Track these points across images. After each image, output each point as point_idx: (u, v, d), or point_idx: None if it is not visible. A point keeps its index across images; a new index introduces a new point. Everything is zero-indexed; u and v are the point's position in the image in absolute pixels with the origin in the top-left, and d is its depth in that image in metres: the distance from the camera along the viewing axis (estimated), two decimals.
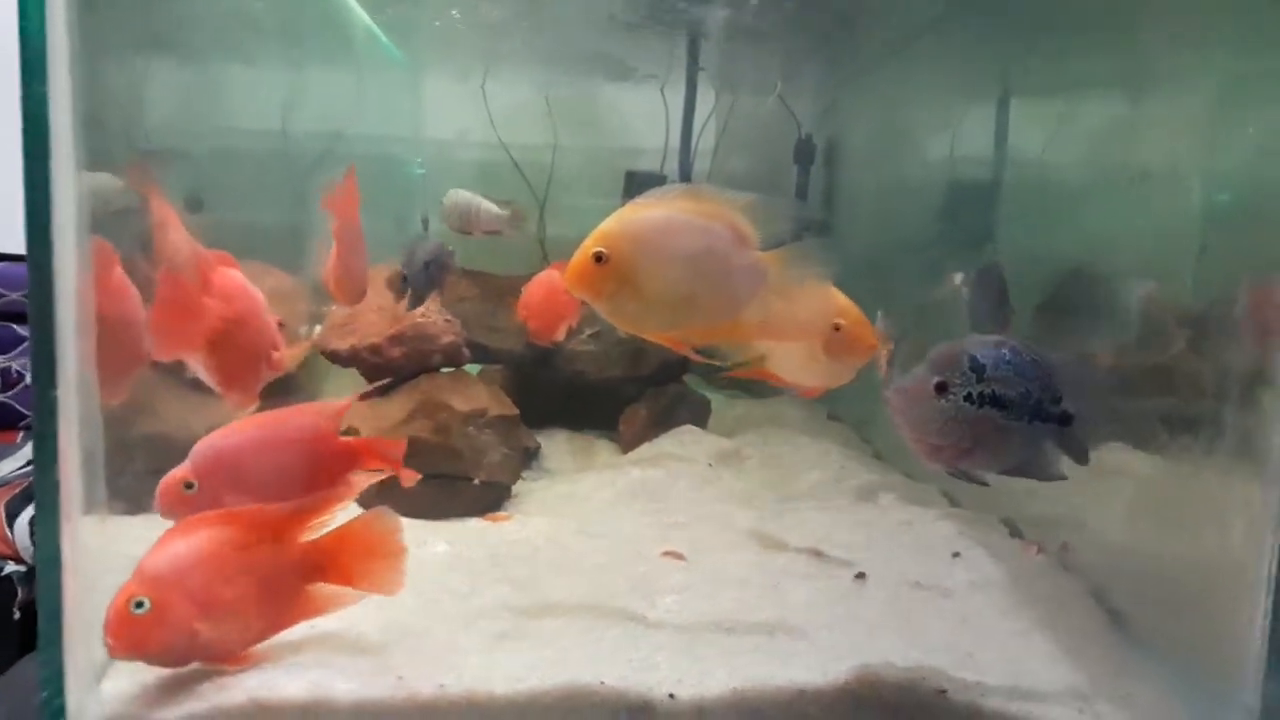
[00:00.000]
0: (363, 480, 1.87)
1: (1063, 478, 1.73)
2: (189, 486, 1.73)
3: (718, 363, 2.65)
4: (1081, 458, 1.72)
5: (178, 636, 1.61)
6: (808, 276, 1.72)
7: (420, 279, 2.81)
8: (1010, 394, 1.63)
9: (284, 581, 1.73)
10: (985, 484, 1.74)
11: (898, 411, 1.66)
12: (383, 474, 1.91)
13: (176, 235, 1.73)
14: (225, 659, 1.69)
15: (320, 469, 1.83)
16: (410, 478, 1.97)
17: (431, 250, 2.78)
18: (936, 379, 1.63)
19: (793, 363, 2.14)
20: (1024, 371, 1.65)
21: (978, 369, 1.63)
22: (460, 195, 3.05)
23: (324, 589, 1.76)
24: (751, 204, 1.67)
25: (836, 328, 2.06)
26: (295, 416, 1.86)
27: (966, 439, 1.64)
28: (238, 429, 1.80)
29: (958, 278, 2.79)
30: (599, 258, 1.60)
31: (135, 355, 1.77)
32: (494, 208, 3.03)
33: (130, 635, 1.58)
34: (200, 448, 1.76)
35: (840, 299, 2.09)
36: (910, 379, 1.66)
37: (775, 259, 1.69)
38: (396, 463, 1.94)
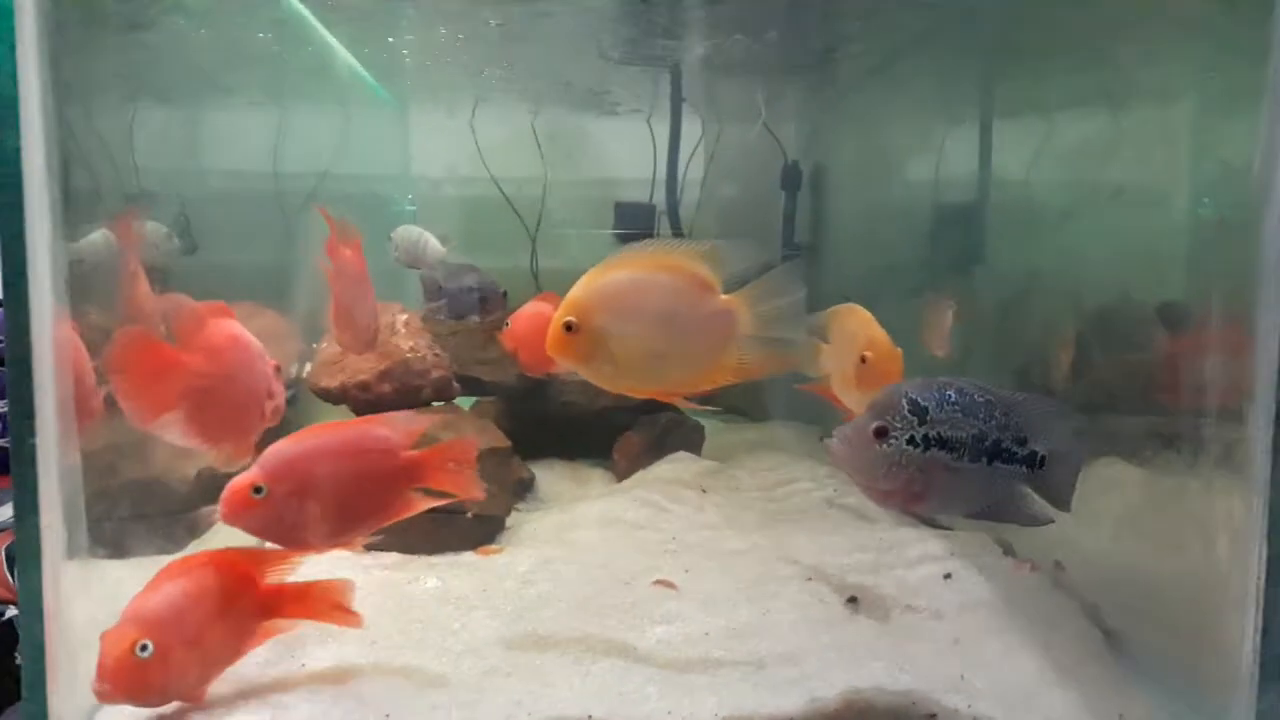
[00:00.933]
0: (424, 501, 1.83)
1: (1048, 521, 1.69)
2: (258, 491, 1.66)
3: (710, 408, 2.69)
4: (1061, 502, 1.67)
5: (172, 679, 1.63)
6: (780, 307, 1.73)
7: (462, 302, 2.88)
8: (959, 435, 1.60)
9: (248, 623, 1.76)
10: (948, 528, 1.71)
11: (840, 459, 1.64)
12: (449, 498, 1.87)
13: (142, 291, 1.73)
14: (191, 697, 1.70)
15: (386, 481, 1.80)
16: (477, 493, 1.91)
17: (481, 280, 2.85)
18: (875, 424, 1.61)
19: (842, 387, 2.19)
20: (975, 412, 1.61)
21: (919, 412, 1.60)
22: (410, 231, 3.09)
23: (277, 624, 1.80)
24: (710, 250, 1.70)
25: (863, 359, 2.10)
26: (367, 427, 1.81)
27: (916, 483, 1.61)
28: (308, 435, 1.75)
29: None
30: (569, 327, 1.65)
31: (86, 407, 1.75)
32: (438, 244, 3.07)
33: (131, 680, 1.57)
34: (270, 453, 1.70)
35: (873, 330, 2.11)
36: (851, 424, 1.64)
37: (744, 297, 1.71)
38: (458, 484, 1.87)
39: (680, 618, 2.17)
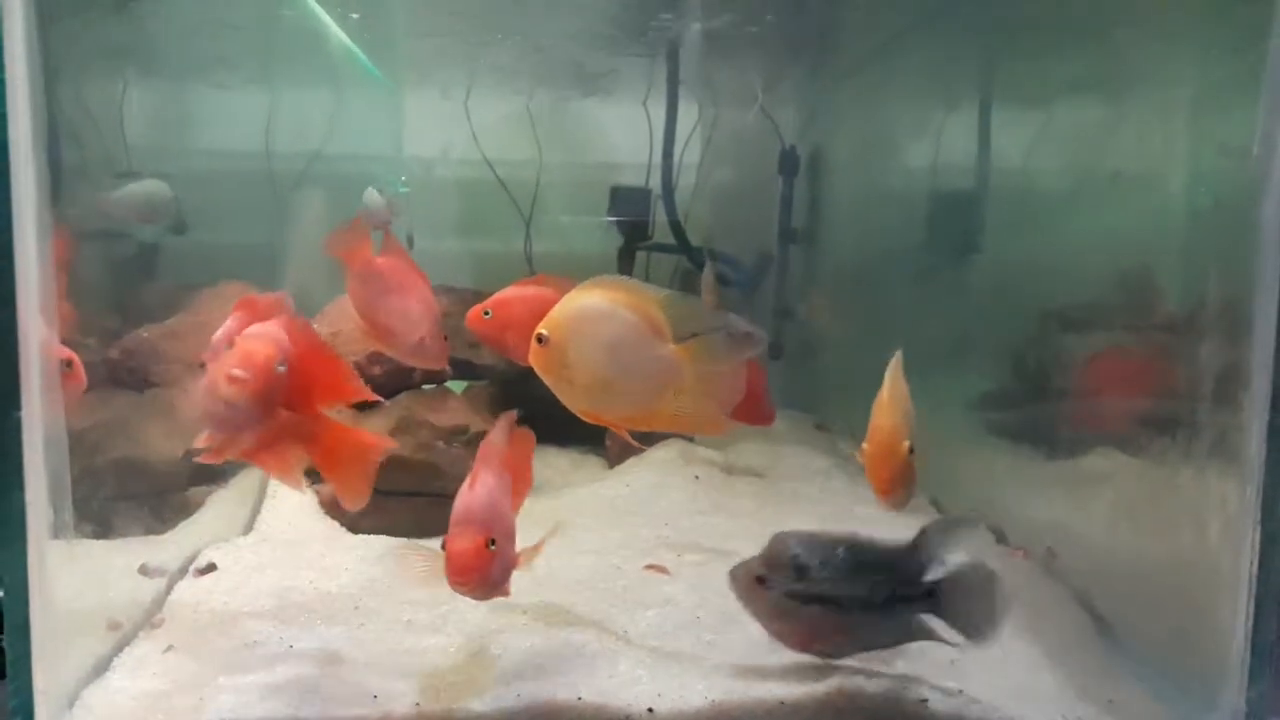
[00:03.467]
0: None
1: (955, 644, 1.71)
2: (492, 544, 1.64)
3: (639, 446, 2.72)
4: (971, 631, 1.69)
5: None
6: (718, 372, 1.73)
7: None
8: (843, 592, 1.62)
9: (289, 424, 1.73)
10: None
11: (737, 595, 1.68)
12: None
13: (61, 309, 1.70)
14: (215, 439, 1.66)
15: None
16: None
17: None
18: (756, 574, 1.64)
19: None
20: (865, 569, 1.63)
21: (799, 569, 1.63)
22: (370, 193, 3.04)
23: (299, 453, 1.78)
24: (665, 300, 1.71)
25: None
26: (491, 459, 1.82)
27: (803, 628, 1.64)
28: (476, 485, 1.72)
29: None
30: (540, 339, 1.69)
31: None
32: (376, 194, 3.01)
33: None
34: (473, 509, 1.68)
35: (879, 416, 2.00)
36: (742, 565, 1.68)
37: (689, 351, 1.72)
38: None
39: (672, 602, 2.16)
